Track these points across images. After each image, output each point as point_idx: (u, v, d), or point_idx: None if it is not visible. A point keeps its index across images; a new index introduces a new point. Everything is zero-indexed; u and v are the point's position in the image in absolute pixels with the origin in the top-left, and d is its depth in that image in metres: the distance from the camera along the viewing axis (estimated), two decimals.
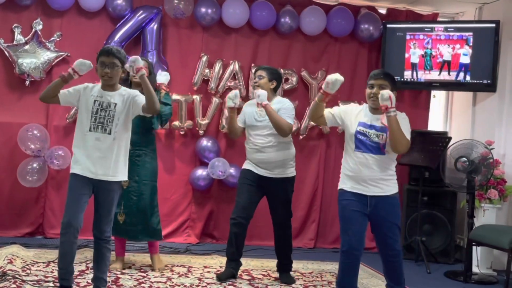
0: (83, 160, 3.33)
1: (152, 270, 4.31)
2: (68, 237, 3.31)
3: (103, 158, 3.34)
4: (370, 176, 3.41)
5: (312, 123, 5.66)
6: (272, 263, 4.59)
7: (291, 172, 4.26)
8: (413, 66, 5.61)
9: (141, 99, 3.39)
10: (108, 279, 3.94)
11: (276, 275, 4.46)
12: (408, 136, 3.40)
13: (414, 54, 5.61)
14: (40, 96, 3.42)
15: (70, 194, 3.36)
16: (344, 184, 3.49)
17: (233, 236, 4.17)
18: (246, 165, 4.28)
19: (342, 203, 3.48)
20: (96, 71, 3.42)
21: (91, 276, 3.92)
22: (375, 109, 3.46)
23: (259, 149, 4.19)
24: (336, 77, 3.38)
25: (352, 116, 3.50)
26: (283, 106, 4.19)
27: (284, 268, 4.38)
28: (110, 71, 3.34)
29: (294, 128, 5.46)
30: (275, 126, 4.09)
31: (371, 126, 3.44)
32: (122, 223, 4.17)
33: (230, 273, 4.23)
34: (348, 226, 3.42)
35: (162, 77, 4.35)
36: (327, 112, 3.54)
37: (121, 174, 3.42)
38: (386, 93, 3.32)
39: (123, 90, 3.46)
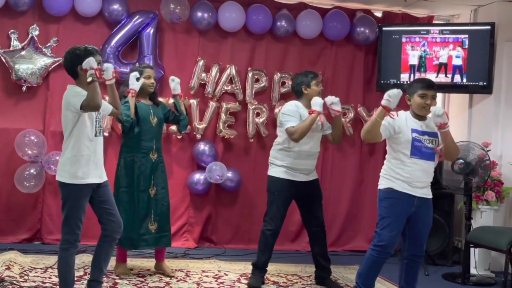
0: (93, 168, 3.28)
1: (161, 271, 4.33)
2: (73, 252, 3.30)
3: (103, 160, 3.39)
4: (423, 182, 3.52)
5: None
6: (271, 267, 4.59)
7: (316, 173, 4.38)
8: (411, 68, 5.62)
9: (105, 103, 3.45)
10: (106, 284, 3.95)
11: (275, 278, 4.46)
12: None
13: (413, 56, 5.62)
14: (95, 107, 3.19)
15: (79, 209, 3.26)
16: (393, 183, 3.53)
17: (270, 246, 4.20)
18: (282, 174, 4.17)
19: (390, 201, 3.52)
20: (80, 71, 3.26)
21: None
22: (420, 116, 3.55)
23: (311, 155, 4.22)
24: (397, 91, 3.41)
25: (403, 123, 3.53)
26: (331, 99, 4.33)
27: (329, 273, 4.35)
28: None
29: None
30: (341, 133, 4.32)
31: (424, 132, 3.53)
32: (155, 232, 4.19)
33: (262, 281, 4.25)
34: (393, 225, 3.51)
35: (176, 84, 4.39)
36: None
37: None
38: (441, 110, 3.41)
39: None
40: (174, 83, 4.39)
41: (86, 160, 3.27)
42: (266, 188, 4.27)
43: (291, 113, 4.12)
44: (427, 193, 3.58)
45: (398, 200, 3.50)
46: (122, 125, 4.11)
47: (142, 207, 4.16)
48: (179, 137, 5.45)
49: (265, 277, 4.30)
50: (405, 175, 3.50)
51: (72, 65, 3.29)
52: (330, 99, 4.14)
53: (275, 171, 4.21)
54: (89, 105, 3.16)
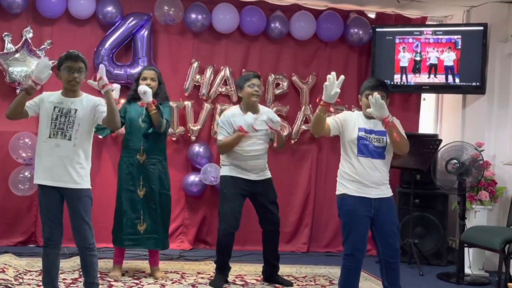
0: (46, 169, 3.28)
1: (152, 277, 4.32)
2: (52, 249, 3.32)
3: (65, 165, 3.27)
4: (374, 180, 3.48)
5: (303, 127, 5.68)
6: None
7: (269, 173, 4.36)
8: (402, 70, 5.65)
9: (104, 109, 3.33)
10: (101, 287, 3.94)
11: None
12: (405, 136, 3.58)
13: (403, 57, 5.65)
14: (7, 114, 3.33)
15: (43, 208, 3.32)
16: (346, 188, 3.51)
17: (223, 247, 4.18)
18: (231, 172, 4.21)
19: (346, 208, 3.51)
20: (56, 76, 3.36)
21: None
22: (372, 117, 3.53)
23: (255, 156, 4.20)
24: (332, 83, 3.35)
25: (351, 122, 3.55)
26: (275, 117, 4.26)
27: (277, 270, 4.40)
28: (78, 76, 3.31)
29: (286, 133, 5.53)
30: (282, 145, 4.37)
31: (371, 131, 3.52)
32: (144, 233, 4.19)
33: (224, 280, 4.26)
34: (352, 230, 3.48)
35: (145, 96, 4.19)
36: (330, 120, 3.55)
37: (86, 182, 3.35)
38: (379, 99, 3.36)
39: (86, 96, 3.40)
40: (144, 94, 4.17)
41: (39, 161, 3.32)
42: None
43: (223, 124, 4.19)
44: (384, 193, 3.52)
45: (354, 205, 3.47)
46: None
47: (129, 207, 4.18)
48: (174, 138, 5.44)
49: (228, 275, 4.32)
50: (355, 174, 3.47)
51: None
52: (272, 118, 4.12)
53: (224, 170, 4.26)
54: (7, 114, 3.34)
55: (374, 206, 3.48)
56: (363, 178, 3.47)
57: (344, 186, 3.53)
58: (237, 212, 4.16)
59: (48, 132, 3.29)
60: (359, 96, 3.63)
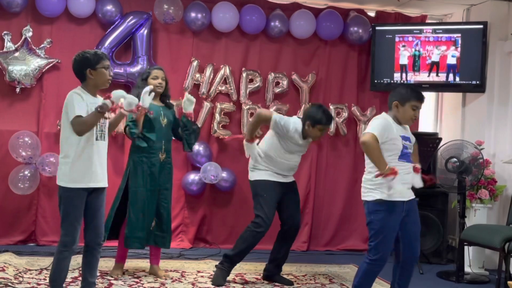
0: (94, 172, 3.24)
1: (153, 275, 4.33)
2: (70, 254, 3.27)
3: (104, 165, 3.34)
4: (407, 182, 3.47)
5: None
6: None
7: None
8: (402, 68, 5.65)
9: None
10: (101, 285, 3.95)
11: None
12: None
13: (403, 55, 5.65)
14: (80, 133, 3.16)
15: (76, 212, 3.23)
16: (381, 193, 3.41)
17: (250, 246, 4.18)
18: (267, 176, 4.21)
19: (382, 214, 3.42)
20: (89, 75, 3.24)
21: None
22: (399, 122, 3.54)
23: (293, 167, 4.32)
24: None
25: (392, 130, 3.45)
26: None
27: (280, 271, 4.40)
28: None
29: None
30: None
31: (406, 138, 3.52)
32: (155, 230, 4.21)
33: (226, 276, 4.25)
34: (388, 237, 3.45)
35: (190, 104, 4.32)
36: (378, 136, 3.39)
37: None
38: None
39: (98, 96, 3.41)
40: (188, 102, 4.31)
41: (83, 164, 3.22)
42: (252, 194, 4.26)
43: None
44: (412, 194, 3.55)
45: (391, 211, 3.42)
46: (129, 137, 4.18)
47: (150, 207, 4.17)
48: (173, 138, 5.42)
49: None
50: (394, 180, 3.36)
51: (81, 67, 3.25)
52: None
53: (259, 174, 4.23)
54: (76, 129, 3.16)
55: (405, 209, 3.48)
56: (400, 181, 3.39)
57: (379, 192, 3.41)
58: (273, 217, 4.21)
59: (95, 135, 3.25)
60: (396, 101, 3.49)
